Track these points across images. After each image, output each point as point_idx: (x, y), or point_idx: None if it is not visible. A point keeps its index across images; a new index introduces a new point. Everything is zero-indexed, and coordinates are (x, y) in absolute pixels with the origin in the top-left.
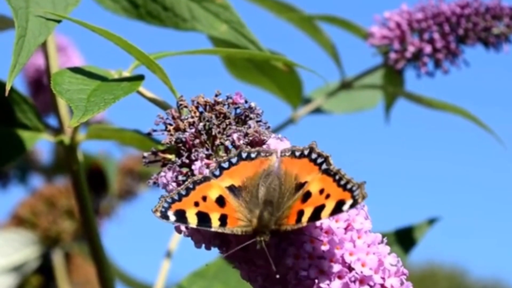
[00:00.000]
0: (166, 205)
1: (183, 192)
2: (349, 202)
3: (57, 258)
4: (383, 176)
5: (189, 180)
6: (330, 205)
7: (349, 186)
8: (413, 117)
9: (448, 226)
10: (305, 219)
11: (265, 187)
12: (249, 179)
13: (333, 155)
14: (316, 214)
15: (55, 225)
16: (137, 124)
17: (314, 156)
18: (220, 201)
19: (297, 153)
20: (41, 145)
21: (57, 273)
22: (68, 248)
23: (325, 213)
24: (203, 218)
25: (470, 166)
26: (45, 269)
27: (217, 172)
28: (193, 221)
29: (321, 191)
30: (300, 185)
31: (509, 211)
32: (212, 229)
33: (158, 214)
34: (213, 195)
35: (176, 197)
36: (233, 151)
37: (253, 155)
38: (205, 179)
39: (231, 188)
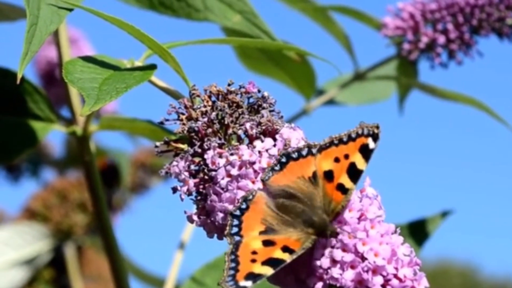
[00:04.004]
0: (232, 283)
1: (233, 265)
2: (370, 140)
3: (69, 252)
4: (396, 168)
5: (226, 257)
6: (357, 157)
7: (354, 135)
8: (427, 109)
9: (461, 222)
10: (349, 185)
11: (282, 208)
12: (266, 219)
13: None
14: (353, 173)
15: (67, 219)
16: (149, 115)
17: (295, 155)
18: (269, 243)
19: (277, 168)
20: (53, 138)
21: (69, 266)
22: (81, 241)
23: (360, 164)
24: (272, 263)
25: (483, 161)
26: (57, 262)
27: (237, 239)
28: (267, 271)
29: (337, 160)
30: (313, 176)
31: None
32: (289, 261)
33: None
34: (257, 245)
35: (232, 272)
36: (227, 218)
37: (244, 206)
38: (237, 244)
39: (263, 233)
